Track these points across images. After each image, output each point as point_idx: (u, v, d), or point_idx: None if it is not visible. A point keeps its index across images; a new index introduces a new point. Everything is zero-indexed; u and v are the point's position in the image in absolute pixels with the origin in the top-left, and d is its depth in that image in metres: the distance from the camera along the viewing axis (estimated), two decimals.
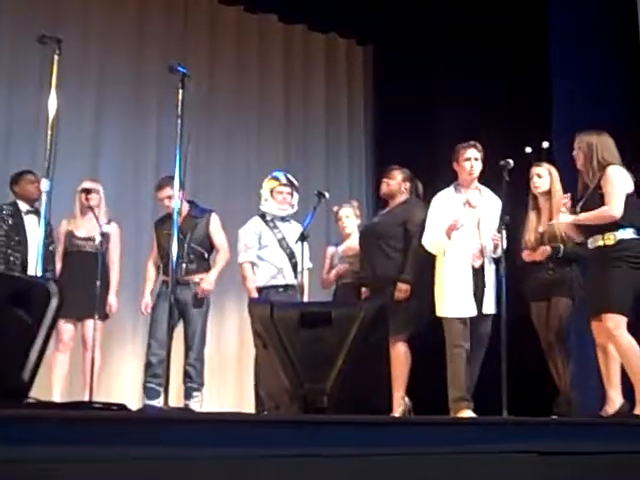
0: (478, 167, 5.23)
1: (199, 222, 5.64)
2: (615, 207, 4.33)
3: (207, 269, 5.65)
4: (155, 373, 5.45)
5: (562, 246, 4.99)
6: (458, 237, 5.07)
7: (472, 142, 5.24)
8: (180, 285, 5.45)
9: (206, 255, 5.67)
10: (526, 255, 5.14)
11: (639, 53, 6.09)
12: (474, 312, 5.00)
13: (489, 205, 5.25)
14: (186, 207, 5.62)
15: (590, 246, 4.47)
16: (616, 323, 4.23)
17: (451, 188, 5.29)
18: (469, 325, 5.01)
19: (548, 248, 5.03)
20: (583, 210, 4.51)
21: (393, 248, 5.38)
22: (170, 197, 5.46)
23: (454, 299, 5.01)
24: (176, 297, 5.45)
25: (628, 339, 4.24)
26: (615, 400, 4.44)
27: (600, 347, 4.51)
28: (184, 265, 5.50)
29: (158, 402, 5.39)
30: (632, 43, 6.12)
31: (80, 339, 5.62)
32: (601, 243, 4.38)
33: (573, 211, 4.74)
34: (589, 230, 4.48)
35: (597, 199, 4.42)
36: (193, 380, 5.49)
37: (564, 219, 4.62)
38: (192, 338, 5.52)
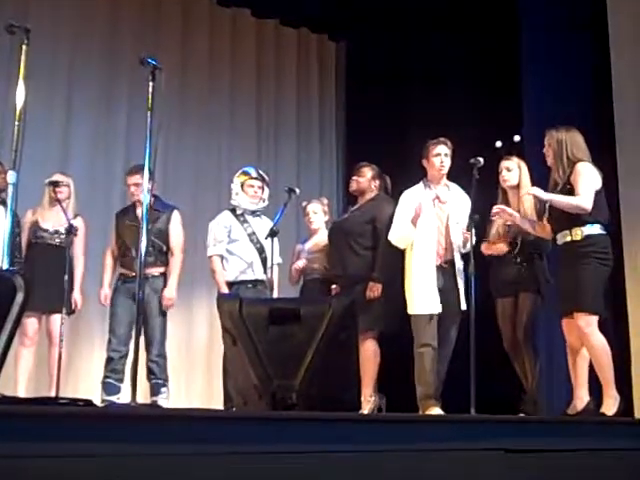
0: (448, 163, 5.22)
1: (160, 216, 5.60)
2: (586, 200, 4.35)
3: (165, 263, 5.62)
4: (114, 369, 5.42)
5: (519, 241, 5.01)
6: (426, 232, 5.05)
7: (442, 138, 5.23)
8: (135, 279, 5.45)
9: (164, 249, 5.63)
10: (484, 248, 5.16)
11: (608, 49, 6.13)
12: (439, 308, 4.99)
13: (458, 201, 5.26)
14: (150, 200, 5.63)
15: (559, 242, 4.49)
16: (587, 322, 4.26)
17: (420, 184, 5.28)
18: (438, 322, 5.00)
19: (505, 246, 5.06)
20: (552, 207, 4.54)
21: (362, 245, 5.40)
22: (138, 184, 5.47)
23: (420, 296, 5.00)
24: (134, 292, 5.44)
25: (599, 338, 4.27)
26: (582, 398, 4.47)
27: (570, 345, 4.53)
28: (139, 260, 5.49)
29: (117, 398, 5.36)
30: (602, 39, 6.17)
31: (45, 334, 5.56)
32: (569, 239, 4.40)
33: (542, 209, 4.78)
34: (557, 226, 4.51)
35: (566, 195, 4.44)
36: (157, 376, 5.45)
37: (538, 192, 4.58)
38: (152, 334, 5.47)
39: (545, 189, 4.62)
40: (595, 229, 4.38)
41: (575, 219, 4.38)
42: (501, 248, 5.09)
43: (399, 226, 5.15)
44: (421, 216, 5.03)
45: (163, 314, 5.57)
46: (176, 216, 5.71)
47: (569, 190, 4.42)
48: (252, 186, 5.75)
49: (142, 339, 5.40)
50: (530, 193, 4.72)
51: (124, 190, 6.08)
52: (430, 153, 5.21)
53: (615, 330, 5.19)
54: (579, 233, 4.36)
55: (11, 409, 2.11)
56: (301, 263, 5.80)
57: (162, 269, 5.60)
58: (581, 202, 4.36)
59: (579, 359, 4.50)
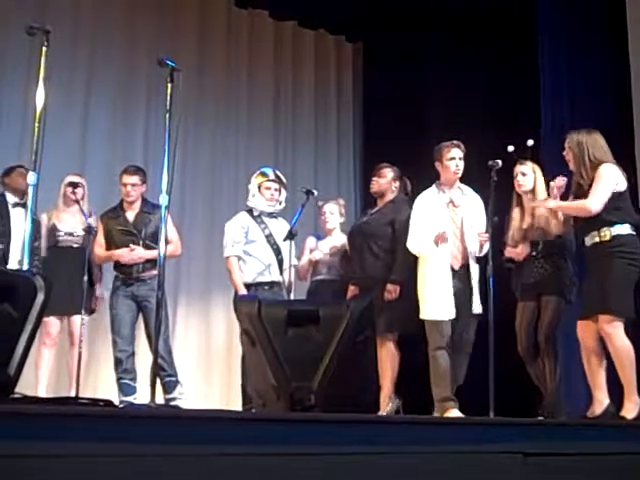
0: (462, 167, 5.18)
1: (152, 218, 5.56)
2: (593, 202, 4.30)
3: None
4: (126, 369, 5.42)
5: (541, 242, 4.98)
6: None
7: (455, 141, 5.19)
8: (137, 282, 5.46)
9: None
10: (507, 251, 5.12)
11: (626, 51, 6.10)
12: (454, 314, 4.96)
13: (472, 204, 5.23)
14: (139, 203, 5.63)
15: (587, 244, 4.43)
16: (614, 324, 4.21)
17: (433, 188, 5.23)
18: (452, 326, 4.98)
19: (526, 249, 5.03)
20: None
21: (381, 248, 5.39)
22: (134, 185, 5.56)
23: (435, 301, 4.97)
24: (134, 293, 5.45)
25: (625, 341, 4.22)
26: (601, 401, 4.42)
27: (585, 347, 4.47)
28: (140, 263, 5.49)
29: (134, 398, 5.37)
30: (619, 41, 6.14)
31: (67, 334, 5.59)
32: (597, 240, 4.34)
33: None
34: (585, 228, 4.45)
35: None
36: (167, 372, 5.44)
37: (547, 204, 4.59)
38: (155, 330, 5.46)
39: (566, 192, 4.58)
40: (624, 229, 4.31)
41: (602, 220, 4.32)
42: (523, 249, 5.05)
43: (418, 240, 5.11)
44: (439, 228, 5.01)
45: (165, 311, 5.56)
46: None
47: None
48: (269, 188, 5.72)
49: (144, 336, 5.46)
50: (536, 205, 4.69)
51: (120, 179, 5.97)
52: (444, 156, 5.16)
53: (637, 332, 5.12)
54: (607, 233, 4.30)
55: (32, 409, 2.12)
56: (317, 255, 5.76)
57: (156, 271, 5.59)
58: (586, 203, 4.32)
59: (595, 361, 4.44)
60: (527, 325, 5.01)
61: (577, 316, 4.52)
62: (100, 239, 5.66)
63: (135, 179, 5.59)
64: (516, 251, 5.08)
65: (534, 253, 5.00)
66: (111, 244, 5.60)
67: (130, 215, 5.62)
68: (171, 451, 2.10)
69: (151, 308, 5.38)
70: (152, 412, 2.89)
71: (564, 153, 4.58)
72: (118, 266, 5.59)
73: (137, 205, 5.63)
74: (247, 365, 4.33)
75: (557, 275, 4.96)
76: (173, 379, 5.47)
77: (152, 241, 5.48)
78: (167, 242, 5.49)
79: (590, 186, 4.37)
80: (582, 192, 4.43)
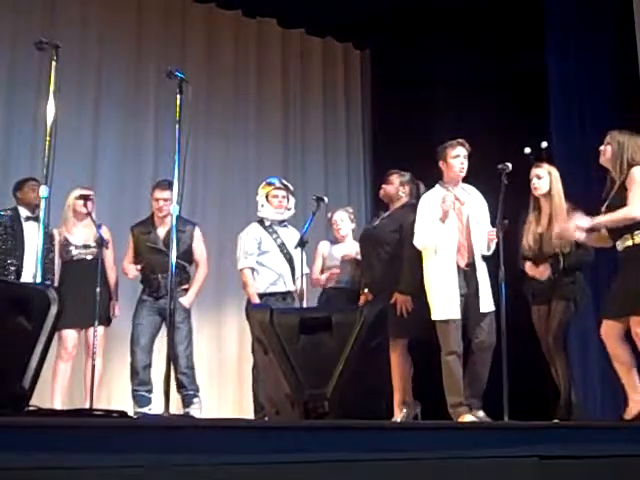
0: (466, 165, 5.16)
1: (182, 235, 5.52)
2: (635, 209, 4.26)
3: (188, 279, 5.68)
4: (142, 380, 5.45)
5: (562, 258, 4.92)
6: (447, 235, 4.99)
7: (460, 140, 5.17)
8: (165, 296, 5.47)
9: (188, 268, 5.68)
10: (528, 267, 5.06)
11: (635, 51, 6.09)
12: (459, 314, 4.92)
13: (476, 202, 5.21)
14: (169, 218, 5.62)
15: (619, 248, 4.37)
16: None
17: (437, 187, 5.21)
18: (464, 327, 4.95)
19: (548, 268, 4.96)
20: (608, 210, 4.44)
21: (388, 254, 5.37)
22: (167, 200, 5.47)
23: (442, 300, 4.95)
24: (160, 307, 5.47)
25: None
26: (637, 401, 4.29)
27: (611, 348, 4.37)
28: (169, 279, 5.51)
29: (149, 409, 5.38)
30: (628, 41, 6.13)
31: (84, 346, 5.60)
32: (630, 243, 4.29)
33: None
34: (615, 233, 4.39)
35: (621, 199, 4.33)
36: (187, 388, 5.46)
37: (581, 222, 4.46)
38: (179, 347, 5.47)
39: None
40: None
41: (636, 223, 4.27)
42: (543, 272, 4.99)
43: (425, 227, 5.08)
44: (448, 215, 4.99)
45: (189, 326, 5.59)
46: (197, 233, 5.74)
47: (624, 195, 4.31)
48: (276, 196, 5.73)
49: (162, 348, 5.46)
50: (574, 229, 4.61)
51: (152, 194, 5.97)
52: (449, 155, 5.14)
53: None
54: None
55: (47, 421, 2.13)
56: (335, 270, 5.75)
57: (186, 285, 5.64)
58: (629, 212, 4.26)
59: (625, 362, 4.32)
60: (544, 326, 4.99)
61: (600, 316, 4.45)
62: (130, 254, 5.70)
63: (167, 194, 5.42)
64: (538, 271, 5.01)
65: (555, 274, 4.96)
66: (141, 260, 5.63)
67: (161, 232, 5.62)
68: (185, 461, 2.10)
69: (176, 327, 5.40)
70: (165, 422, 2.89)
71: (601, 148, 4.52)
72: (147, 281, 5.61)
73: (168, 220, 5.55)
74: (260, 373, 4.32)
75: (567, 281, 4.93)
76: (191, 392, 5.49)
77: (183, 259, 5.49)
78: (196, 265, 5.62)
79: (623, 187, 4.32)
80: (613, 191, 4.39)
